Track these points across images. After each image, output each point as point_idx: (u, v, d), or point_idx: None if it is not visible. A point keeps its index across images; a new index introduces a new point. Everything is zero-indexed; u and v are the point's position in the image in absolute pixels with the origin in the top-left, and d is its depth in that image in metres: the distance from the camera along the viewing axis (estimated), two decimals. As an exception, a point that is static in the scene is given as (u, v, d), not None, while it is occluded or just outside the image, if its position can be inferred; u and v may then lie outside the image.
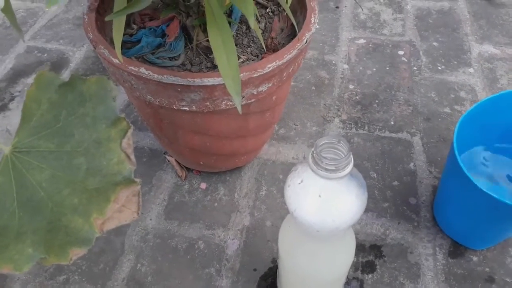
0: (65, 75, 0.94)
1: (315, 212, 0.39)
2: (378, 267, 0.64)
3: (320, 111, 0.86)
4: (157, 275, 0.64)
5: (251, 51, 0.60)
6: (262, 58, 0.59)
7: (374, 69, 0.94)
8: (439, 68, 0.94)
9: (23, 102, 0.40)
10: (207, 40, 0.58)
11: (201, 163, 0.70)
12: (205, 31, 0.58)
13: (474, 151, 0.70)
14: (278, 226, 0.68)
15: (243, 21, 0.64)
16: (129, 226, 0.69)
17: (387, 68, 0.95)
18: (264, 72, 0.51)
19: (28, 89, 0.36)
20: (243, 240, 0.67)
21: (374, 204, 0.71)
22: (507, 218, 0.55)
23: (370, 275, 0.63)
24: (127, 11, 0.41)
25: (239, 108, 0.43)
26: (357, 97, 0.89)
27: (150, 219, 0.70)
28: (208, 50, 0.59)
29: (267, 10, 0.66)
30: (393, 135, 0.82)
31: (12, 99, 0.90)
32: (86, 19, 0.57)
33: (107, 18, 0.40)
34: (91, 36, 0.54)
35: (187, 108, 0.53)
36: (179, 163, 0.76)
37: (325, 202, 0.39)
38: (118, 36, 0.44)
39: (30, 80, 0.94)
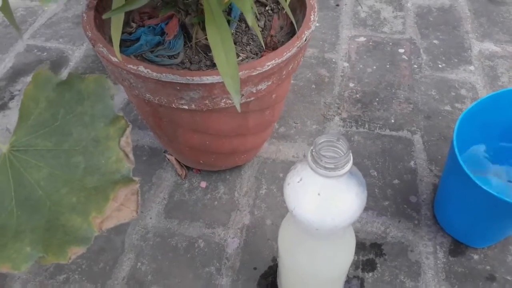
0: (65, 74, 0.94)
1: (314, 210, 0.39)
2: (378, 265, 0.64)
3: (320, 109, 0.86)
4: (157, 274, 0.64)
5: (251, 49, 0.60)
6: (262, 56, 0.59)
7: (375, 67, 0.94)
8: (440, 66, 0.94)
9: (21, 100, 0.39)
10: (206, 38, 0.58)
11: (201, 161, 0.70)
12: (204, 29, 0.58)
13: (474, 149, 0.70)
14: (278, 224, 0.68)
15: (243, 19, 0.63)
16: (129, 225, 0.69)
17: (388, 66, 0.94)
18: (264, 70, 0.51)
19: (26, 88, 0.36)
20: (243, 238, 0.67)
21: (375, 203, 0.71)
22: (507, 216, 0.55)
23: (370, 274, 0.63)
24: (125, 9, 0.40)
25: (238, 107, 0.42)
26: (358, 95, 0.88)
27: (150, 218, 0.70)
28: (207, 48, 0.59)
29: (267, 8, 0.66)
30: (394, 133, 0.81)
31: (12, 98, 0.90)
32: (85, 17, 0.57)
33: (104, 16, 0.39)
34: (90, 34, 0.54)
35: (186, 107, 0.53)
36: (179, 162, 0.76)
37: (324, 201, 0.39)
38: (116, 34, 0.44)
39: (29, 79, 0.94)
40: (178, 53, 0.58)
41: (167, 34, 0.58)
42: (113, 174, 0.38)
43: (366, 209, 0.70)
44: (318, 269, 0.48)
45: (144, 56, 0.57)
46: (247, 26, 0.63)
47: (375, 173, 0.75)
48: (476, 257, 0.64)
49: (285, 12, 0.64)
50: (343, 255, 0.48)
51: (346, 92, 0.89)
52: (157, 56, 0.57)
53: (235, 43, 0.60)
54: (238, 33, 0.62)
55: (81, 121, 0.37)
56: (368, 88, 0.90)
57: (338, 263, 0.48)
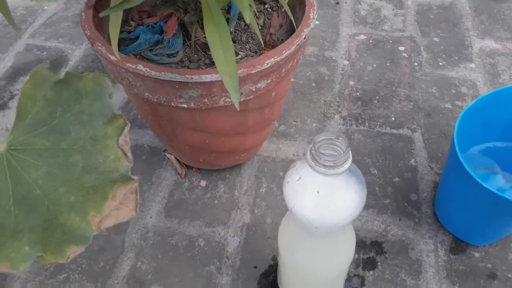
0: (64, 73, 0.94)
1: (314, 208, 0.39)
2: (379, 263, 0.64)
3: (321, 107, 0.86)
4: (157, 273, 0.64)
5: (250, 47, 0.60)
6: (261, 54, 0.59)
7: (375, 65, 0.94)
8: (440, 63, 0.94)
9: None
10: (206, 37, 0.58)
11: (200, 160, 0.70)
12: (203, 27, 0.58)
13: (475, 146, 0.69)
14: (278, 223, 0.68)
15: (242, 17, 0.63)
16: (129, 224, 0.69)
17: (388, 64, 0.94)
18: (263, 68, 0.50)
19: (23, 86, 0.36)
20: (243, 237, 0.67)
21: (375, 201, 0.71)
22: (508, 214, 0.55)
23: (371, 272, 0.63)
24: (123, 7, 0.40)
25: (236, 105, 0.42)
26: (358, 93, 0.88)
27: (150, 217, 0.70)
28: (206, 47, 0.58)
29: (266, 6, 0.66)
30: (394, 131, 0.81)
31: (11, 97, 0.90)
32: (84, 16, 0.56)
33: (101, 14, 0.39)
34: (89, 33, 0.54)
35: (185, 105, 0.53)
36: (178, 161, 0.76)
37: (323, 199, 0.38)
38: (114, 32, 0.44)
39: (29, 78, 0.94)
40: (177, 51, 0.58)
41: (166, 32, 0.58)
42: (112, 173, 0.38)
43: (366, 207, 0.70)
44: (318, 267, 0.48)
45: (143, 55, 0.57)
46: (246, 24, 0.63)
47: (376, 171, 0.75)
48: (477, 255, 0.64)
49: (285, 10, 0.64)
50: (343, 254, 0.48)
51: (346, 90, 0.89)
52: (156, 55, 0.57)
53: (234, 42, 0.60)
54: (237, 32, 0.62)
55: (79, 120, 0.37)
56: (368, 86, 0.89)
57: (338, 262, 0.48)
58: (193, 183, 0.74)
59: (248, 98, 0.54)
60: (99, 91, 0.37)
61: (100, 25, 0.58)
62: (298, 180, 0.40)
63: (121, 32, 0.60)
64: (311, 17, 0.57)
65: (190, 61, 0.57)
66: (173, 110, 0.55)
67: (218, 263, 0.64)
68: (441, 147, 0.78)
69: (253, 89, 0.53)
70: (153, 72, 0.49)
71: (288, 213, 0.50)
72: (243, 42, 0.60)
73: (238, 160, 0.73)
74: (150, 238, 0.67)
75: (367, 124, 0.82)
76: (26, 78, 0.93)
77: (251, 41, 0.61)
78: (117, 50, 0.47)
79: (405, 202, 0.71)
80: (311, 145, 0.37)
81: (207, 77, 0.49)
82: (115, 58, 0.50)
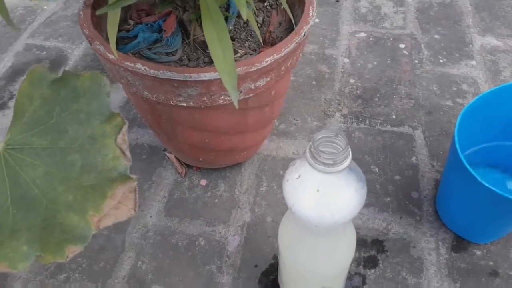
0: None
1: (313, 206, 0.39)
2: (380, 262, 0.63)
3: (321, 105, 0.85)
4: (158, 272, 0.63)
5: (249, 45, 0.60)
6: (260, 52, 0.58)
7: (375, 63, 0.94)
8: (441, 61, 0.93)
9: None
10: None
11: (200, 159, 0.70)
12: (202, 25, 0.58)
13: (476, 144, 0.69)
14: (279, 222, 0.67)
15: (241, 15, 0.63)
16: (129, 224, 0.69)
17: (388, 62, 0.94)
18: (262, 66, 0.50)
19: (20, 85, 0.36)
20: (243, 236, 0.67)
21: (376, 199, 0.71)
22: (509, 212, 0.54)
23: (372, 270, 0.63)
24: (121, 4, 0.40)
25: (235, 103, 0.42)
26: (358, 91, 0.88)
27: (151, 216, 0.70)
28: (205, 45, 0.58)
29: (265, 4, 0.66)
30: (395, 129, 0.81)
31: (11, 97, 0.90)
32: (82, 15, 0.56)
33: (98, 12, 0.39)
34: (87, 32, 0.54)
35: (184, 104, 0.53)
36: (178, 160, 0.76)
37: (323, 197, 0.38)
38: (112, 31, 0.44)
39: (29, 78, 0.94)
40: (176, 50, 0.57)
41: (165, 31, 0.58)
42: (110, 172, 0.38)
43: (367, 205, 0.70)
44: (318, 266, 0.47)
45: (142, 54, 0.57)
46: (245, 22, 0.63)
47: (376, 169, 0.75)
48: (478, 252, 0.64)
49: (284, 7, 0.64)
50: (344, 252, 0.48)
51: (346, 88, 0.88)
52: (155, 54, 0.57)
53: (233, 40, 0.60)
54: (236, 30, 0.61)
55: (76, 119, 0.37)
56: (369, 84, 0.89)
57: (339, 260, 0.48)
58: (193, 182, 0.74)
59: (247, 96, 0.54)
60: (96, 89, 0.37)
61: (99, 24, 0.58)
62: (297, 178, 0.39)
63: (120, 31, 0.60)
64: (311, 14, 0.57)
65: (189, 60, 0.57)
66: (172, 108, 0.55)
67: (218, 262, 0.64)
68: (442, 145, 0.78)
69: (253, 87, 0.53)
70: (151, 71, 0.49)
71: (288, 212, 0.49)
72: (242, 40, 0.60)
73: (238, 159, 0.73)
74: (151, 237, 0.67)
75: (367, 122, 0.82)
76: (25, 78, 0.93)
77: (250, 39, 0.61)
78: (115, 49, 0.47)
79: (406, 200, 0.70)
80: (310, 143, 0.37)
81: (206, 75, 0.48)
82: (113, 57, 0.50)
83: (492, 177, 0.70)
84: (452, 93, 0.87)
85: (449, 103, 0.85)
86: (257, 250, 0.65)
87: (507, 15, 1.04)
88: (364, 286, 0.61)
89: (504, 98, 0.64)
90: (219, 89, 0.51)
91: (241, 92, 0.52)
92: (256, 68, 0.50)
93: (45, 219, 0.36)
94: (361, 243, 0.65)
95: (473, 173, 0.52)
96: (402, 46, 0.97)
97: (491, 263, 0.63)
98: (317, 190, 0.38)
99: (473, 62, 0.92)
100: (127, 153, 0.38)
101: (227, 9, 0.62)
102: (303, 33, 0.54)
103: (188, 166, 0.76)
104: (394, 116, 0.83)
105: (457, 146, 0.54)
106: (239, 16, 0.63)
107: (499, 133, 0.68)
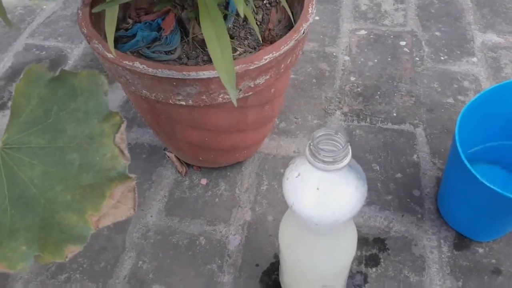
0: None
1: (314, 205, 0.39)
2: (382, 260, 0.63)
3: (321, 103, 0.85)
4: (159, 272, 0.63)
5: (248, 43, 0.59)
6: (259, 50, 0.58)
7: (376, 60, 0.93)
8: (442, 58, 0.93)
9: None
10: (203, 33, 0.57)
11: (200, 158, 0.69)
12: (200, 23, 0.57)
13: (477, 141, 0.69)
14: (279, 220, 0.67)
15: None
16: (130, 223, 0.69)
17: (389, 59, 0.93)
18: (261, 64, 0.50)
19: (17, 84, 0.35)
20: (244, 235, 0.67)
21: (377, 197, 0.70)
22: (510, 211, 0.54)
23: (374, 269, 0.62)
24: (119, 2, 0.40)
25: (234, 101, 0.42)
26: (359, 89, 0.87)
27: (151, 216, 0.70)
28: (204, 43, 0.58)
29: (265, 1, 0.65)
30: (396, 126, 0.80)
31: (11, 97, 0.90)
32: (80, 14, 0.56)
33: (94, 10, 0.39)
34: (85, 31, 0.54)
35: (183, 103, 0.52)
36: (179, 159, 0.76)
37: (323, 195, 0.38)
38: (110, 29, 0.43)
39: (29, 78, 0.94)
40: (175, 48, 0.57)
41: (163, 29, 0.58)
42: (109, 171, 0.37)
43: (368, 203, 0.69)
44: (319, 264, 0.47)
45: (141, 52, 0.57)
46: (244, 20, 0.62)
47: (378, 167, 0.74)
48: (481, 250, 0.64)
49: (283, 5, 0.63)
50: (345, 250, 0.47)
51: (347, 86, 0.88)
52: (154, 52, 0.56)
53: (232, 38, 0.60)
54: (235, 28, 0.61)
55: (74, 118, 0.36)
56: (370, 82, 0.89)
57: (340, 258, 0.47)
58: (194, 181, 0.74)
59: (247, 94, 0.53)
60: (94, 88, 0.37)
61: (97, 23, 0.58)
62: (297, 176, 0.39)
63: (118, 29, 0.60)
64: (310, 12, 0.56)
65: (188, 58, 0.56)
66: (171, 107, 0.55)
67: (219, 261, 0.64)
68: (444, 142, 0.77)
69: (252, 86, 0.52)
70: (150, 69, 0.48)
71: (288, 210, 0.49)
72: (241, 38, 0.60)
73: (239, 158, 0.73)
74: (151, 237, 0.67)
75: (368, 120, 0.82)
76: (25, 78, 0.93)
77: (249, 37, 0.60)
78: (113, 47, 0.46)
79: (407, 198, 0.70)
80: (310, 141, 0.37)
81: (205, 73, 0.48)
82: (111, 56, 0.50)
83: (494, 175, 0.69)
84: (453, 90, 0.86)
85: (450, 100, 0.84)
86: (258, 249, 0.65)
87: (508, 11, 1.03)
88: (366, 285, 0.61)
89: (505, 95, 0.63)
90: (219, 88, 0.51)
91: (240, 90, 0.52)
92: (255, 66, 0.49)
93: (44, 219, 0.35)
94: (362, 241, 0.65)
95: (474, 172, 0.51)
96: (402, 43, 0.97)
97: (493, 261, 0.62)
98: (317, 188, 0.38)
99: (474, 59, 0.92)
100: (126, 152, 0.38)
101: (226, 7, 0.61)
102: (303, 30, 0.53)
103: (188, 165, 0.76)
104: (395, 114, 0.82)
105: (458, 145, 0.54)
106: (238, 14, 0.62)
107: (500, 131, 0.68)
